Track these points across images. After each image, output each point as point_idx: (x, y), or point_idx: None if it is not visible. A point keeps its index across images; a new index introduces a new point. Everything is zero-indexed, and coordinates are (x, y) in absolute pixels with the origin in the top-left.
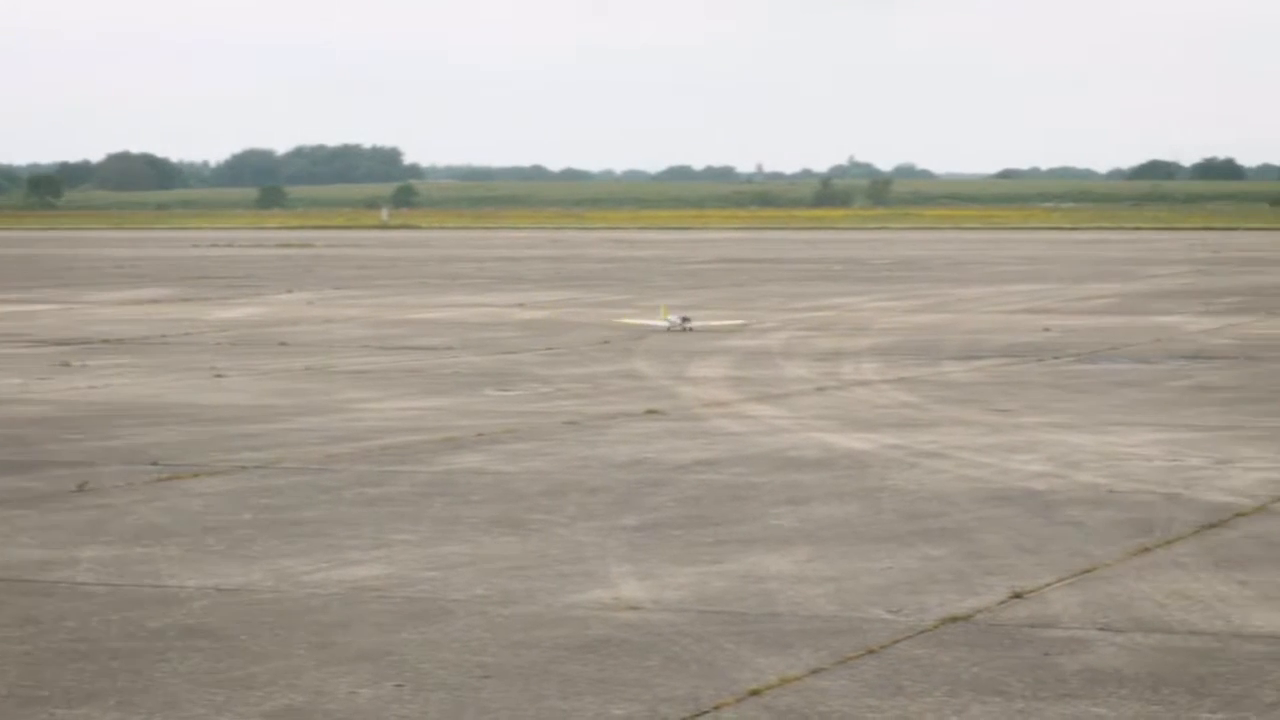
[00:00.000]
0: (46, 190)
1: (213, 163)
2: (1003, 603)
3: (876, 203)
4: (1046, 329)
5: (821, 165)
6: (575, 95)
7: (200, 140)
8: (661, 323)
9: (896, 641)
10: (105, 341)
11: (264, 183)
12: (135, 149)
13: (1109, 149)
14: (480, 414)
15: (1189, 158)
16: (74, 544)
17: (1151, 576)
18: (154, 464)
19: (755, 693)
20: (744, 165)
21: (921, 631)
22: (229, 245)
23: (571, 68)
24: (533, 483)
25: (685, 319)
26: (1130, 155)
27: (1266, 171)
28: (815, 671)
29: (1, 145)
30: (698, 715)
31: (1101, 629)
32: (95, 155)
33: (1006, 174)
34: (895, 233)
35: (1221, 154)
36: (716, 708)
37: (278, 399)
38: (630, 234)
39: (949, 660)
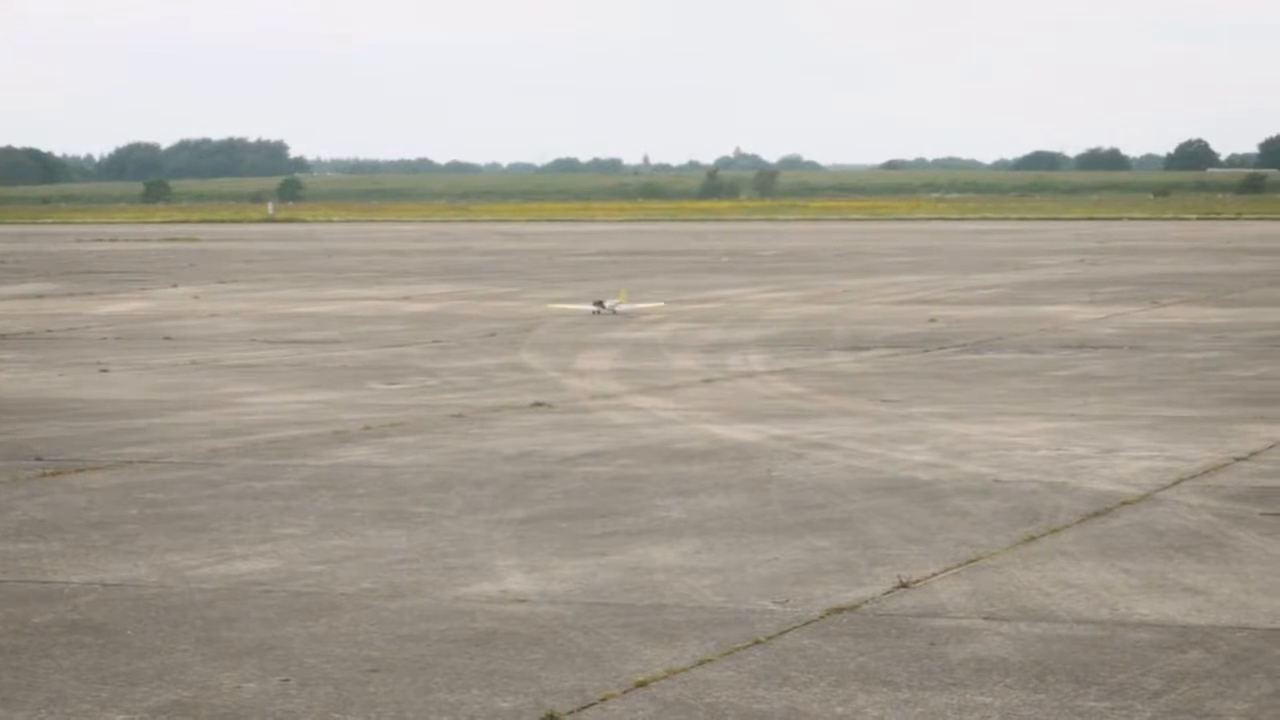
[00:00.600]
0: None
1: (97, 157)
2: (889, 593)
3: (763, 194)
4: (933, 319)
5: (708, 157)
6: (461, 88)
7: (84, 134)
8: (589, 307)
9: (783, 632)
10: None
11: (148, 177)
12: (18, 144)
13: (994, 140)
14: (366, 407)
15: (1074, 148)
16: None
17: (1037, 565)
18: (38, 459)
19: (642, 684)
20: (630, 158)
21: (808, 622)
22: (113, 240)
23: (457, 60)
24: (419, 476)
25: (601, 303)
26: (1015, 146)
27: (1150, 162)
28: (702, 663)
29: None
30: (584, 707)
31: (987, 618)
32: None
33: (892, 165)
34: (782, 224)
35: (1106, 145)
36: (603, 699)
37: (163, 394)
38: (517, 227)
39: (835, 651)
